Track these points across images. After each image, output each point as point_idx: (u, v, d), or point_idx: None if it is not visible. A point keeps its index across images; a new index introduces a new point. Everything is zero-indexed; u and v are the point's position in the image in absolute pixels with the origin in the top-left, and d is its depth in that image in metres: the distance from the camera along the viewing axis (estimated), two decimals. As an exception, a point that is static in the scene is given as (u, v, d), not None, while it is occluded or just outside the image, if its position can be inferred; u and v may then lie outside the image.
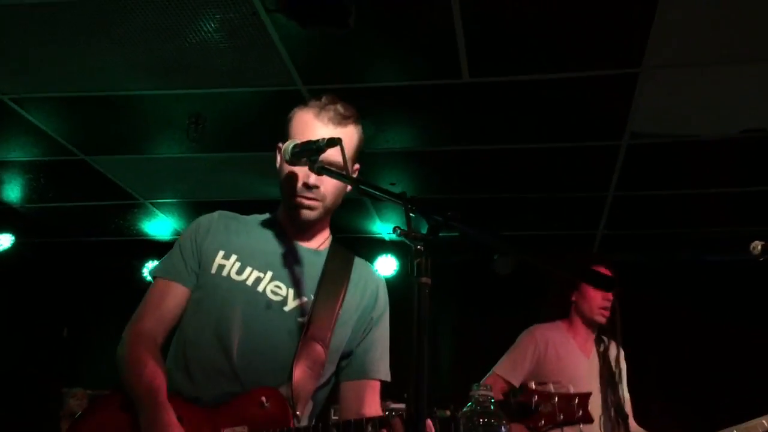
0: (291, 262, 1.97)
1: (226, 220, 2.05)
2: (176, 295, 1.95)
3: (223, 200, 5.75)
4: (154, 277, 2.00)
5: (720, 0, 3.26)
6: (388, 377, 2.04)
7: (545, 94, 4.08)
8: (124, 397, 1.82)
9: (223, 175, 5.39)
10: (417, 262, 1.39)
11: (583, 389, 2.82)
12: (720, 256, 6.12)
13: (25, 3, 3.43)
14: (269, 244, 2.00)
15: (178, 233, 6.64)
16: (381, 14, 3.47)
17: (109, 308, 7.17)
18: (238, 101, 4.33)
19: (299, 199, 1.92)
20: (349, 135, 1.97)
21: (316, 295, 1.94)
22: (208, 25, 3.59)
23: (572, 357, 3.26)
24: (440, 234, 1.41)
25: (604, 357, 3.27)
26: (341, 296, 1.97)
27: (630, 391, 3.36)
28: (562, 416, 1.68)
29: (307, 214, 1.94)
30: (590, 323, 3.31)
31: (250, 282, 1.92)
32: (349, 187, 1.95)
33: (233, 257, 1.95)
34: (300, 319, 1.91)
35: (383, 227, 6.32)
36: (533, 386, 1.73)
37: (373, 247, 6.38)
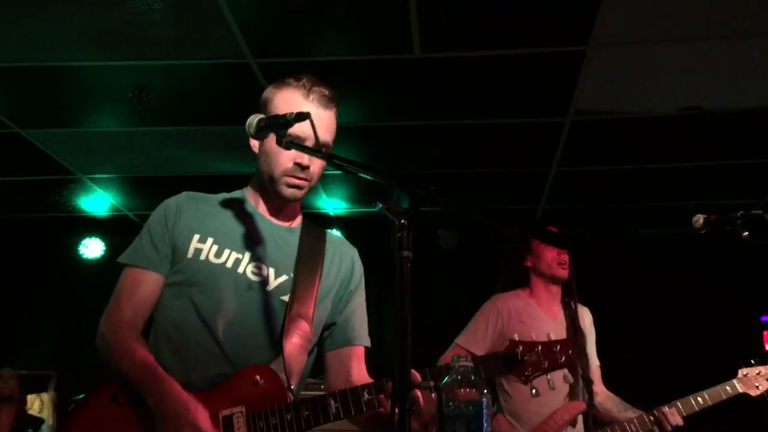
0: (267, 241, 1.99)
1: (196, 202, 2.03)
2: (150, 282, 1.94)
3: (165, 175, 5.66)
4: (125, 265, 1.97)
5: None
6: (369, 343, 2.10)
7: (494, 71, 4.12)
8: (118, 386, 1.82)
9: (166, 149, 5.26)
10: (399, 236, 1.40)
11: None
12: (658, 230, 6.37)
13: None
14: (244, 224, 2.00)
15: (116, 209, 6.48)
16: (334, -13, 3.44)
17: (43, 286, 7.00)
18: (184, 73, 4.22)
19: (290, 179, 1.94)
20: (334, 117, 2.02)
21: (296, 272, 1.97)
22: (153, -5, 3.48)
23: (537, 321, 3.20)
24: (421, 208, 1.43)
25: (572, 319, 3.23)
26: (319, 272, 2.00)
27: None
28: (546, 363, 1.75)
29: (295, 193, 1.97)
30: (551, 281, 3.27)
31: (230, 264, 1.93)
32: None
33: (209, 240, 1.95)
34: (282, 297, 1.94)
35: (329, 202, 6.31)
36: (517, 338, 1.80)
37: (319, 223, 6.36)
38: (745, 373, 3.17)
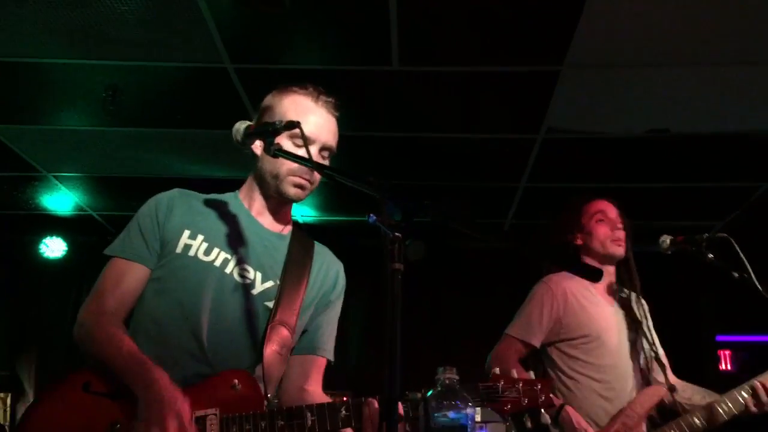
0: (257, 245, 1.99)
1: (188, 198, 2.03)
2: (136, 274, 1.92)
3: (134, 176, 5.57)
4: (111, 257, 1.94)
5: (637, 7, 3.44)
6: (332, 356, 2.10)
7: (470, 86, 4.18)
8: (93, 373, 1.77)
9: (137, 150, 5.19)
10: (390, 249, 1.42)
11: (614, 340, 2.81)
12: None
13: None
14: (235, 226, 2.00)
15: (81, 209, 6.37)
16: (316, -3, 3.45)
17: (2, 284, 6.83)
18: (159, 75, 4.19)
19: (296, 178, 1.96)
20: (337, 124, 2.08)
21: (282, 279, 1.97)
22: (132, -5, 3.45)
23: (596, 306, 2.86)
24: (414, 220, 1.45)
25: (626, 305, 2.93)
26: (305, 281, 2.01)
27: None
28: (526, 401, 1.77)
29: (298, 193, 2.00)
30: (605, 260, 2.92)
31: (218, 263, 1.92)
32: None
33: (200, 237, 1.94)
34: (267, 303, 1.93)
35: (298, 209, 6.29)
36: (498, 372, 1.81)
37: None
38: None
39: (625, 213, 3.04)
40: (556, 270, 2.93)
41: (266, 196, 2.04)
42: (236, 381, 1.79)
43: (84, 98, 4.45)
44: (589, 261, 2.94)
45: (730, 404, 2.69)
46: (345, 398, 1.82)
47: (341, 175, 1.63)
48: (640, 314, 2.95)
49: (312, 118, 1.99)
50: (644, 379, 2.88)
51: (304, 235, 2.13)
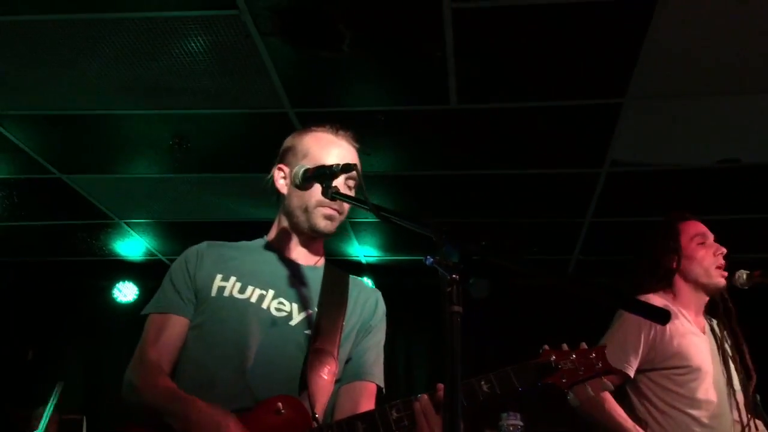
0: (291, 278, 1.99)
1: (217, 248, 2.05)
2: (174, 325, 1.92)
3: (200, 221, 5.72)
4: (147, 314, 1.96)
5: (701, 35, 3.36)
6: (382, 382, 2.03)
7: (530, 122, 4.14)
8: (139, 427, 1.77)
9: (203, 196, 5.33)
10: (448, 291, 1.40)
11: (709, 371, 2.61)
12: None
13: (6, 21, 3.38)
14: (267, 264, 2.01)
15: (151, 254, 6.55)
16: (374, 40, 3.50)
17: (77, 329, 7.05)
18: (223, 122, 4.31)
19: (325, 209, 1.96)
20: (358, 160, 2.05)
21: (320, 307, 1.96)
22: (197, 47, 3.57)
23: (693, 334, 2.66)
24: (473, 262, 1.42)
25: (714, 333, 2.75)
26: (343, 308, 1.99)
27: None
28: (582, 370, 1.67)
29: (329, 226, 1.99)
30: (703, 289, 2.72)
31: (254, 299, 1.92)
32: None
33: (232, 279, 1.95)
34: (307, 332, 1.91)
35: (361, 249, 6.31)
36: (547, 347, 1.72)
37: (350, 269, 6.36)
38: None
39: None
40: (649, 288, 2.74)
41: (297, 232, 2.04)
42: (280, 405, 1.75)
43: (152, 147, 4.61)
44: (684, 285, 2.75)
45: None
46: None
47: (397, 217, 1.61)
48: (730, 347, 2.74)
49: (335, 150, 2.02)
50: (742, 419, 2.63)
51: (337, 269, 2.11)
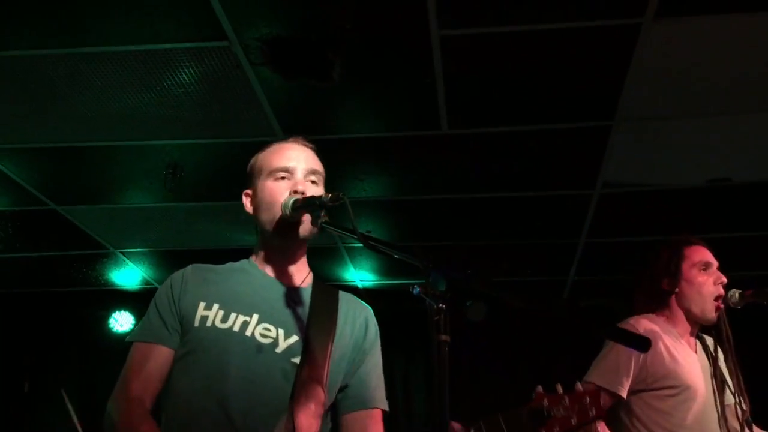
0: (276, 301, 1.93)
1: (201, 272, 2.00)
2: (158, 356, 1.87)
3: (195, 249, 5.73)
4: (132, 342, 1.92)
5: (687, 56, 3.40)
6: (386, 406, 2.00)
7: (522, 145, 4.18)
8: None
9: (196, 224, 5.35)
10: (436, 320, 1.40)
11: (701, 393, 2.61)
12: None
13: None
14: (250, 286, 1.95)
15: (147, 282, 6.54)
16: (363, 67, 3.53)
17: (74, 359, 7.02)
18: (216, 151, 4.33)
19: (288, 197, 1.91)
20: (315, 153, 2.06)
21: (307, 332, 1.88)
22: (188, 77, 3.59)
23: (684, 354, 2.66)
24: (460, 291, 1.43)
25: (707, 352, 2.75)
26: (332, 331, 1.92)
27: None
28: (575, 419, 1.64)
29: (303, 228, 1.92)
30: (695, 318, 2.73)
31: (236, 328, 1.85)
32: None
33: (215, 306, 1.89)
34: (294, 360, 1.84)
35: (357, 274, 6.32)
36: (541, 389, 1.70)
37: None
38: None
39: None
40: (644, 309, 2.75)
41: (274, 248, 1.99)
42: None
43: (146, 177, 4.63)
44: (677, 309, 2.74)
45: None
46: None
47: (385, 246, 1.62)
48: (727, 367, 2.73)
49: (289, 153, 2.00)
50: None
51: (326, 285, 2.05)
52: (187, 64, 3.48)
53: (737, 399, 2.69)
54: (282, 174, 1.96)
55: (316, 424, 1.82)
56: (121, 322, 6.89)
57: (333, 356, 1.89)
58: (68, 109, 3.87)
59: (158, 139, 4.18)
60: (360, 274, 6.33)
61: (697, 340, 2.80)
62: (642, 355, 2.57)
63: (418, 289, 1.43)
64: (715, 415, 2.64)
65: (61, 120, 3.97)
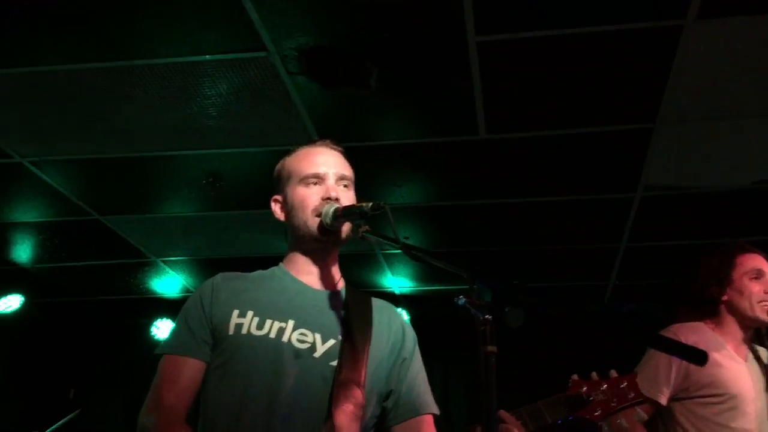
0: (310, 306, 1.91)
1: (231, 280, 1.98)
2: (189, 369, 1.85)
3: (235, 257, 5.78)
4: (161, 355, 1.90)
5: (731, 57, 3.34)
6: (437, 410, 1.98)
7: (561, 149, 4.13)
8: None
9: (236, 232, 5.40)
10: (482, 330, 1.39)
11: (750, 401, 2.57)
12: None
13: (42, 71, 3.49)
14: (284, 293, 1.93)
15: (187, 290, 6.62)
16: (401, 75, 3.53)
17: (117, 368, 7.13)
18: (255, 160, 4.37)
19: (322, 208, 1.92)
20: (344, 156, 2.06)
21: (344, 336, 1.87)
22: (228, 88, 3.64)
23: (730, 361, 2.62)
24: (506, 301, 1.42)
25: (760, 361, 2.70)
26: (369, 335, 1.91)
27: None
28: (615, 401, 1.63)
29: (341, 235, 1.93)
30: (749, 323, 2.68)
31: (273, 334, 1.83)
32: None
33: (249, 313, 1.86)
34: (332, 363, 1.83)
35: (395, 281, 6.31)
36: (576, 377, 1.69)
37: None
38: None
39: None
40: (689, 317, 2.71)
41: (306, 252, 1.99)
42: None
43: (187, 186, 4.69)
44: (727, 317, 2.71)
45: None
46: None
47: (429, 256, 1.61)
48: None
49: (319, 158, 2.00)
50: None
51: (358, 291, 2.04)
52: (227, 74, 3.53)
53: None
54: (313, 180, 1.97)
55: (355, 426, 1.80)
56: (163, 329, 6.97)
57: (370, 359, 1.87)
58: (111, 122, 3.95)
59: (198, 149, 4.23)
60: (398, 281, 6.32)
61: (749, 350, 2.73)
62: (684, 363, 2.53)
63: (464, 299, 1.41)
64: (766, 425, 2.58)
65: (104, 132, 4.06)
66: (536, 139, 4.04)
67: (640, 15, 3.07)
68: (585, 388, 1.67)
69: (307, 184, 1.97)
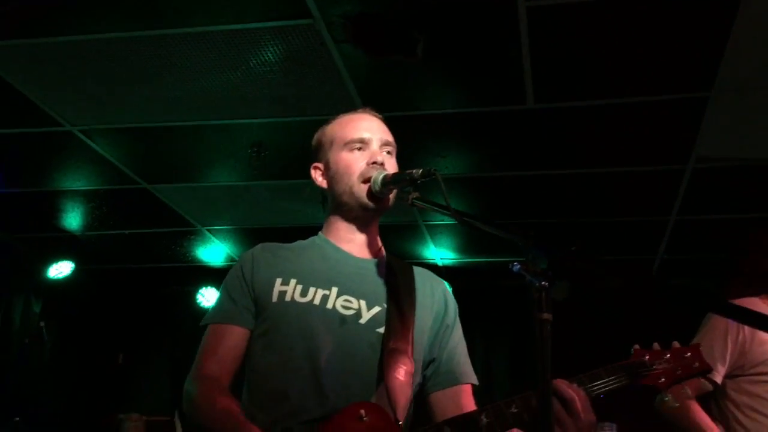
0: (353, 274, 1.90)
1: (272, 249, 1.98)
2: (232, 335, 1.85)
3: (279, 226, 5.81)
4: (205, 326, 1.91)
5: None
6: (476, 380, 1.97)
7: (611, 119, 4.03)
8: None
9: (280, 202, 5.42)
10: (537, 297, 1.36)
11: None
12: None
13: (90, 39, 3.52)
14: (326, 261, 1.92)
15: (232, 259, 6.69)
16: (447, 43, 3.47)
17: (164, 334, 7.28)
18: (299, 129, 4.35)
19: (367, 172, 1.90)
20: (387, 127, 2.03)
21: (388, 303, 1.86)
22: (272, 56, 3.63)
23: None
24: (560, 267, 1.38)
25: None
26: (413, 302, 1.89)
27: None
28: (680, 370, 1.60)
29: (387, 202, 1.92)
30: None
31: (317, 301, 1.82)
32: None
33: (292, 281, 1.86)
34: (378, 330, 1.82)
35: (437, 252, 6.29)
36: (638, 347, 1.66)
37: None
38: None
39: None
40: (742, 293, 2.65)
41: (349, 219, 1.97)
42: (362, 412, 1.67)
43: (232, 156, 4.71)
44: None
45: None
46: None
47: (483, 223, 1.58)
48: None
49: (362, 123, 1.98)
50: None
51: (399, 260, 2.02)
52: (272, 42, 3.51)
53: None
54: (358, 145, 1.95)
55: (407, 392, 1.79)
56: (208, 297, 7.08)
57: (416, 326, 1.87)
58: (156, 90, 3.97)
59: (243, 118, 4.24)
60: (440, 252, 6.29)
61: None
62: (739, 340, 2.53)
63: (519, 266, 1.38)
64: None
65: (150, 101, 4.08)
66: (585, 108, 3.95)
67: (699, -22, 2.97)
68: (648, 357, 1.63)
69: (351, 150, 1.95)
